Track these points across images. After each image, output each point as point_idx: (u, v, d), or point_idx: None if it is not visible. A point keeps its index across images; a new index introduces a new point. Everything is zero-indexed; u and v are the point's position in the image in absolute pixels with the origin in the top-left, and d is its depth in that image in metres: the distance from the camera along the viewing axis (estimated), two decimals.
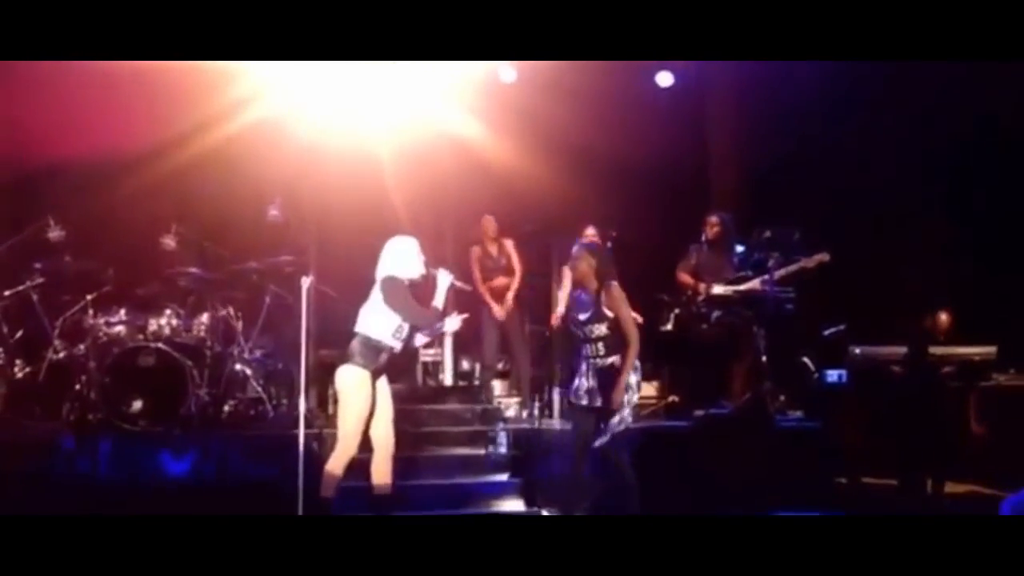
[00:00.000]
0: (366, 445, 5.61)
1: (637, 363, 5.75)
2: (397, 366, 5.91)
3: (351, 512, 5.71)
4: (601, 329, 5.69)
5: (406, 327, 5.58)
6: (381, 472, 5.62)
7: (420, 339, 5.90)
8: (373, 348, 5.52)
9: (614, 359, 5.68)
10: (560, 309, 5.64)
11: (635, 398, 5.76)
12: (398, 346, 5.62)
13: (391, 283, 5.52)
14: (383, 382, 5.67)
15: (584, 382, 5.76)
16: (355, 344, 5.54)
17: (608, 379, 5.66)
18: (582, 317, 5.77)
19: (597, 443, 5.62)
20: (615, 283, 5.83)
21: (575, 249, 5.91)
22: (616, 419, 5.60)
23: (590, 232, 8.17)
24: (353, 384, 5.50)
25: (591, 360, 5.75)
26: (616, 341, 5.70)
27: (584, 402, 5.74)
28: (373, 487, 5.63)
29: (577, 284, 5.93)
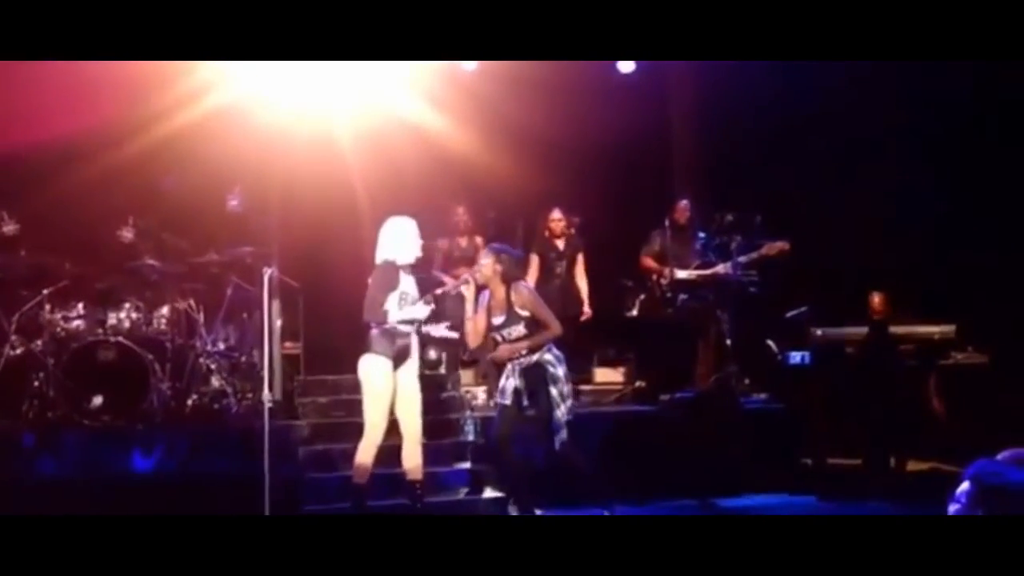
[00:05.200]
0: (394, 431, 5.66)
1: (560, 355, 5.73)
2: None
3: (384, 500, 5.88)
4: (519, 330, 5.66)
5: (410, 311, 5.57)
6: (411, 458, 5.68)
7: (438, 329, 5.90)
8: (386, 334, 5.54)
9: (538, 356, 5.65)
10: (468, 310, 5.67)
11: (567, 391, 5.72)
12: (409, 329, 5.63)
13: (377, 269, 5.61)
14: (409, 369, 5.69)
15: (511, 382, 5.71)
16: (371, 332, 5.56)
17: (536, 378, 5.65)
18: (497, 322, 5.70)
19: (558, 445, 5.61)
20: (523, 282, 5.84)
21: (482, 253, 5.85)
22: (558, 415, 5.60)
23: (556, 215, 8.12)
24: (371, 372, 5.55)
25: (516, 361, 5.69)
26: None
27: (507, 401, 5.71)
28: (406, 473, 5.70)
29: (483, 287, 5.78)
